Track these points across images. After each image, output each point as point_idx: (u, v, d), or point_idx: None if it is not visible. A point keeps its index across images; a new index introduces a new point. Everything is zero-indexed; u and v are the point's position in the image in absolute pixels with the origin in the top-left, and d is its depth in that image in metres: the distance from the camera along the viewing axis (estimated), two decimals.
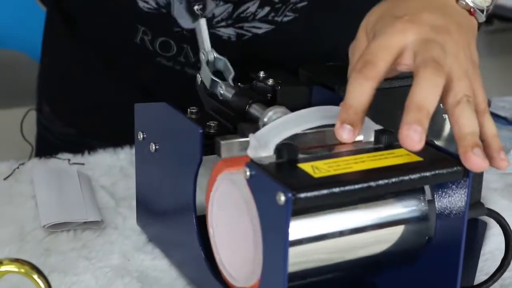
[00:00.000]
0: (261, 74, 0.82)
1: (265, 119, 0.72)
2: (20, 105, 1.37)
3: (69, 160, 1.00)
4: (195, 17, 0.87)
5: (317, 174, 0.62)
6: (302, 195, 0.59)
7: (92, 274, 0.79)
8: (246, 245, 0.65)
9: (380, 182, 0.63)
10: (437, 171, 0.65)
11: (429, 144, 0.68)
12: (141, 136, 0.80)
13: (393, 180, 0.63)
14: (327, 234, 0.65)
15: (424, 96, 0.65)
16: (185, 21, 0.98)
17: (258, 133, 0.67)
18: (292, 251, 0.61)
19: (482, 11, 0.77)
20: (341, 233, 0.65)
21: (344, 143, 0.67)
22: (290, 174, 0.62)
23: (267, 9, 0.98)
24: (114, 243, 0.84)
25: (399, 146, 0.65)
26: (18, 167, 0.98)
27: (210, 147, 0.71)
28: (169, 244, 0.80)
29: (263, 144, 0.66)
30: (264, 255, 0.63)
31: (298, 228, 0.63)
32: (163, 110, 0.76)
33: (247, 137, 0.69)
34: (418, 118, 0.63)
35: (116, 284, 0.77)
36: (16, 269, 0.63)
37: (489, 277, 0.75)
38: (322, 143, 0.71)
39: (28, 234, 0.85)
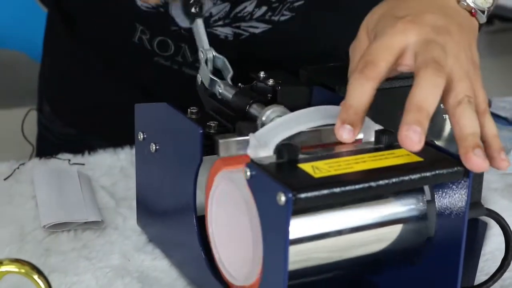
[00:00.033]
0: (261, 74, 0.82)
1: (263, 118, 0.72)
2: (21, 105, 1.37)
3: (69, 160, 1.00)
4: (191, 18, 0.87)
5: (317, 174, 0.62)
6: (303, 195, 0.59)
7: (92, 274, 0.79)
8: (245, 244, 0.65)
9: (381, 182, 0.63)
10: (437, 171, 0.65)
11: (429, 144, 0.68)
12: (141, 136, 0.80)
13: (394, 180, 0.63)
14: (326, 233, 0.65)
15: (424, 96, 0.65)
16: (182, 21, 0.98)
17: (258, 132, 0.67)
18: (292, 249, 0.61)
19: (483, 12, 0.77)
20: (340, 232, 0.65)
21: (345, 143, 0.67)
22: (290, 174, 0.62)
23: (264, 8, 0.98)
24: (114, 243, 0.84)
25: (400, 146, 0.65)
26: (18, 167, 0.98)
27: (210, 147, 0.71)
28: (170, 244, 0.80)
29: (263, 143, 0.66)
30: (264, 255, 0.63)
31: (298, 226, 0.63)
32: (163, 110, 0.76)
33: (245, 135, 0.69)
34: (418, 118, 0.63)
35: (116, 284, 0.77)
36: (17, 269, 0.63)
37: (489, 277, 0.75)
38: (320, 142, 0.71)
39: (28, 234, 0.85)
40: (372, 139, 0.69)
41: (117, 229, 0.86)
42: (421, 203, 0.69)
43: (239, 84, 0.81)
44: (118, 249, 0.83)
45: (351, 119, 0.66)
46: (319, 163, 0.64)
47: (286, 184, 0.59)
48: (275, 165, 0.63)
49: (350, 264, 0.68)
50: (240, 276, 0.67)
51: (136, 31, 1.02)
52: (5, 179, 0.96)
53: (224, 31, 0.99)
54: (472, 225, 0.83)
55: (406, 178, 0.64)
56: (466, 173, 0.65)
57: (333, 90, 0.79)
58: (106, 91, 1.11)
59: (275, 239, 0.61)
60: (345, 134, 0.66)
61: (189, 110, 0.76)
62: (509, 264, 0.75)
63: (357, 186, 0.62)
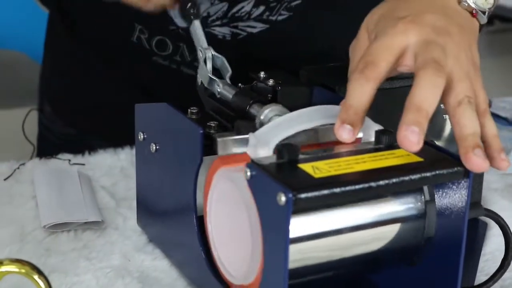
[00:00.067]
0: (262, 74, 0.82)
1: (262, 117, 0.73)
2: (22, 105, 1.38)
3: (69, 160, 1.00)
4: (189, 20, 0.87)
5: (317, 175, 0.62)
6: (303, 195, 0.59)
7: (92, 274, 0.79)
8: (243, 243, 0.65)
9: (381, 182, 0.63)
10: (437, 172, 0.65)
11: (429, 144, 0.68)
12: (142, 136, 0.80)
13: (394, 180, 0.63)
14: (325, 232, 0.65)
15: (423, 97, 0.65)
16: (181, 21, 0.98)
17: (258, 132, 0.68)
18: (291, 248, 0.61)
19: (484, 12, 0.77)
20: (338, 231, 0.65)
21: (345, 143, 0.67)
22: (290, 174, 0.62)
23: (262, 8, 0.98)
24: (114, 244, 0.84)
25: (400, 147, 0.65)
26: (18, 168, 0.98)
27: (210, 147, 0.71)
28: (170, 244, 0.80)
29: (262, 143, 0.66)
30: (264, 254, 0.63)
31: (297, 225, 0.64)
32: (163, 111, 0.76)
33: (243, 134, 0.69)
34: (417, 119, 0.63)
35: (116, 284, 0.77)
36: (17, 270, 0.63)
37: (489, 277, 0.75)
38: (320, 142, 0.71)
39: (28, 234, 0.85)
40: (372, 139, 0.69)
41: (117, 229, 0.87)
42: (419, 203, 0.69)
43: (239, 84, 0.82)
44: (118, 249, 0.83)
45: (351, 119, 0.66)
46: (319, 163, 0.64)
47: (286, 184, 0.59)
48: (275, 165, 0.63)
49: (349, 262, 0.68)
50: (239, 275, 0.67)
51: (134, 30, 1.02)
52: (5, 179, 0.96)
53: (222, 31, 0.99)
54: (472, 225, 0.83)
55: (406, 178, 0.64)
56: (466, 173, 0.65)
57: (333, 91, 0.79)
58: (106, 91, 1.11)
59: (275, 239, 0.61)
60: (344, 134, 0.66)
61: (189, 110, 0.76)
62: (509, 264, 0.75)
63: (357, 187, 0.62)
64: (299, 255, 0.64)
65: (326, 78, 0.81)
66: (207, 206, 0.71)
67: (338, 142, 0.67)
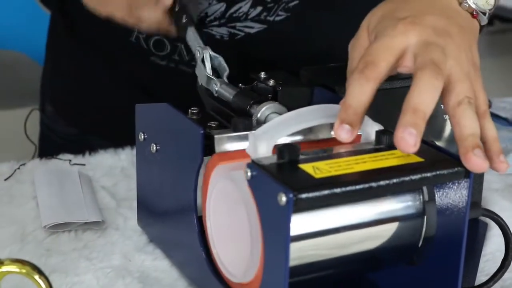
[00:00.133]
0: (262, 75, 0.82)
1: (259, 115, 0.73)
2: (23, 105, 1.38)
3: (70, 160, 1.00)
4: (183, 30, 0.87)
5: (318, 175, 0.62)
6: (303, 195, 0.59)
7: (93, 274, 0.79)
8: (242, 240, 0.65)
9: (381, 182, 0.63)
10: (438, 172, 0.65)
11: (430, 144, 0.68)
12: (142, 136, 0.80)
13: (394, 180, 0.63)
14: (326, 230, 0.65)
15: (421, 98, 0.65)
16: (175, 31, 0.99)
17: (258, 130, 0.68)
18: (291, 246, 0.61)
19: (484, 13, 0.77)
20: (338, 229, 0.66)
21: (345, 143, 0.67)
22: (291, 174, 0.62)
23: (259, 8, 0.98)
24: (115, 244, 0.84)
25: None
26: (19, 168, 0.98)
27: (210, 147, 0.71)
28: (170, 244, 0.80)
29: (262, 141, 0.66)
30: (265, 254, 0.63)
31: (297, 223, 0.64)
32: (164, 111, 0.76)
33: (240, 131, 0.69)
34: (414, 120, 0.63)
35: (117, 284, 0.77)
36: (17, 270, 0.63)
37: (490, 277, 0.75)
38: (320, 141, 0.71)
39: (29, 234, 0.85)
40: (373, 139, 0.69)
41: (118, 229, 0.87)
42: (418, 202, 0.69)
43: (240, 84, 0.82)
44: (119, 250, 0.83)
45: (350, 119, 0.66)
46: (320, 164, 0.64)
47: (287, 184, 0.59)
48: (276, 165, 0.63)
49: (348, 260, 0.68)
50: (238, 273, 0.67)
51: (134, 30, 1.02)
52: (5, 179, 0.96)
53: (220, 31, 1.00)
54: (473, 225, 0.83)
55: (407, 178, 0.64)
56: (467, 173, 0.65)
57: (334, 91, 0.79)
58: (107, 91, 1.11)
59: (275, 238, 0.61)
60: (343, 133, 0.65)
61: (189, 110, 0.76)
62: (509, 265, 0.75)
63: (357, 187, 0.62)
64: (299, 253, 0.64)
65: (327, 79, 0.81)
66: (206, 204, 0.71)
67: (339, 142, 0.67)
